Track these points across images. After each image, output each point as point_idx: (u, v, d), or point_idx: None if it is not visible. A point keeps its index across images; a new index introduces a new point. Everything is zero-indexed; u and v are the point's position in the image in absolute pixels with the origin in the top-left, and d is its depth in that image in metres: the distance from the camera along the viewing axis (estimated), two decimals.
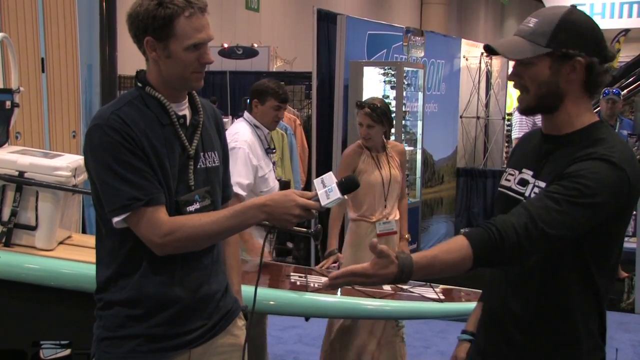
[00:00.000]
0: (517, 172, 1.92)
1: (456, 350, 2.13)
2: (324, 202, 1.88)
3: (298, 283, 3.42)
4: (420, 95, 7.27)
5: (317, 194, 1.90)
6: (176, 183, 2.00)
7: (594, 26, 1.81)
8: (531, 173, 1.88)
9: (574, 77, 1.79)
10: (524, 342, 1.86)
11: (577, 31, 1.77)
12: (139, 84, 2.05)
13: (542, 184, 1.81)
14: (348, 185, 1.90)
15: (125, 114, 1.95)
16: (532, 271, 1.83)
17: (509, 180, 1.94)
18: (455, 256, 1.66)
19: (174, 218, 1.94)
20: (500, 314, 1.91)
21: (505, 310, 1.90)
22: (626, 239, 6.08)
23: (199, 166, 2.06)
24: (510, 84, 12.69)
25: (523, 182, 1.89)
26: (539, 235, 1.65)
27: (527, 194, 1.85)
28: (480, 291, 2.23)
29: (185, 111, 2.08)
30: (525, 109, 1.86)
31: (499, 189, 1.98)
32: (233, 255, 2.30)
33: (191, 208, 2.01)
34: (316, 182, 1.93)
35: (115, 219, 1.93)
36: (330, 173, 1.95)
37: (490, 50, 1.85)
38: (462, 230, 1.90)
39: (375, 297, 3.27)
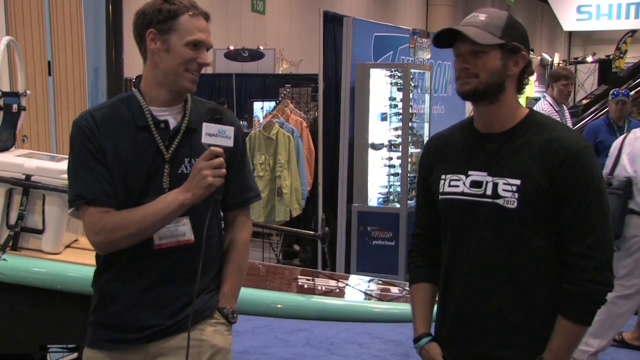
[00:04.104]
0: (462, 176, 1.98)
1: (431, 355, 2.07)
2: (204, 140, 1.99)
3: (305, 286, 3.41)
4: (427, 97, 7.25)
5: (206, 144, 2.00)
6: (144, 185, 2.06)
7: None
8: (484, 173, 1.95)
9: (515, 71, 1.94)
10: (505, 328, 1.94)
11: (521, 30, 1.96)
12: (134, 86, 2.15)
13: (503, 180, 1.91)
14: (212, 115, 2.03)
15: (100, 115, 2.08)
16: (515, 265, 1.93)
17: (456, 186, 1.99)
18: (570, 338, 1.93)
19: (103, 216, 2.03)
20: (476, 304, 1.97)
21: (482, 300, 1.96)
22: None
23: (179, 171, 2.09)
24: None
25: (477, 184, 1.96)
26: (610, 257, 1.90)
27: (488, 193, 1.93)
28: None
29: (171, 116, 2.12)
30: (471, 91, 1.92)
31: (445, 196, 2.02)
32: (232, 260, 2.24)
33: None
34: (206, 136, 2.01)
35: (68, 211, 2.11)
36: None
37: (437, 40, 1.95)
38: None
39: (383, 300, 3.26)
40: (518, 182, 1.89)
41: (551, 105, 6.37)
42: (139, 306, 2.10)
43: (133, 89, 2.14)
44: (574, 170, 1.87)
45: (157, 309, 2.11)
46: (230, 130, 2.02)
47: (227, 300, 2.22)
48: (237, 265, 2.25)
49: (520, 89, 1.99)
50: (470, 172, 1.97)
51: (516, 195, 1.89)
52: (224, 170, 2.00)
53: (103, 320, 2.15)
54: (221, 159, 1.99)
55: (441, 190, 2.02)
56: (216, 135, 2.00)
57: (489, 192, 1.93)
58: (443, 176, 2.03)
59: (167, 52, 2.05)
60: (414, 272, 2.18)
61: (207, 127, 2.00)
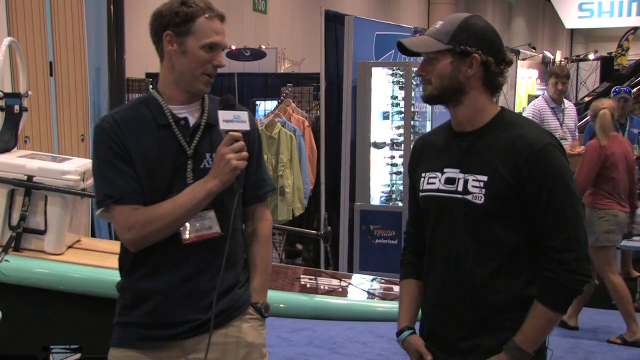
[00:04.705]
0: (438, 173, 2.06)
1: (414, 346, 2.10)
2: (222, 126, 2.04)
3: (308, 285, 3.41)
4: None
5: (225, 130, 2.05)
6: (168, 182, 2.10)
7: (493, 30, 2.03)
8: (457, 170, 2.02)
9: (471, 73, 1.98)
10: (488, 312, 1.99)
11: (475, 32, 1.98)
12: (151, 87, 2.19)
13: (473, 176, 1.98)
14: (225, 103, 2.09)
15: (121, 117, 2.13)
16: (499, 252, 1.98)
17: (433, 184, 2.07)
18: (543, 323, 1.96)
19: (133, 213, 2.06)
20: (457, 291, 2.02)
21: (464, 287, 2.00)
22: (636, 238, 6.05)
23: (202, 166, 2.13)
24: (519, 83, 12.66)
25: (450, 181, 2.03)
26: (586, 248, 1.95)
27: (459, 189, 2.00)
28: None
29: (190, 114, 2.17)
30: (427, 97, 2.04)
31: (424, 193, 2.09)
32: (259, 255, 2.29)
33: None
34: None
35: (97, 212, 2.13)
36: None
37: (402, 48, 2.06)
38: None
39: (386, 299, 3.26)
40: (485, 178, 1.96)
41: (546, 102, 6.37)
42: (172, 302, 2.11)
43: (150, 89, 2.18)
44: (539, 167, 1.92)
45: (191, 303, 2.12)
46: (244, 114, 2.08)
47: (259, 294, 2.26)
48: (264, 260, 2.30)
49: (493, 88, 2.03)
50: (445, 170, 2.05)
51: (483, 191, 1.96)
52: (245, 153, 2.04)
53: (135, 318, 2.15)
54: (241, 142, 2.04)
55: (421, 188, 2.10)
56: (232, 121, 2.05)
57: (460, 188, 2.00)
58: (423, 174, 2.10)
59: (183, 54, 2.10)
60: (403, 269, 2.24)
61: (222, 114, 2.05)
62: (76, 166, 3.15)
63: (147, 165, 2.09)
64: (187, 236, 2.11)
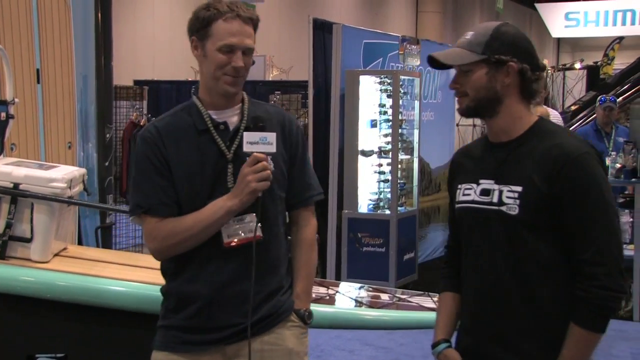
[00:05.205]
0: (474, 185, 2.03)
1: (450, 359, 2.08)
2: (245, 149, 2.07)
3: None
4: (417, 103, 7.27)
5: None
6: (210, 186, 2.13)
7: (525, 37, 2.01)
8: (492, 181, 1.99)
9: (508, 81, 1.96)
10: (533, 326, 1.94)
11: (509, 40, 1.96)
12: (193, 93, 2.24)
13: (507, 187, 1.95)
14: (254, 123, 2.11)
15: (163, 125, 2.18)
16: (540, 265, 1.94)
17: (468, 195, 2.04)
18: (582, 345, 1.90)
19: (158, 224, 2.12)
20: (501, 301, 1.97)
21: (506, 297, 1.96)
22: (624, 246, 6.09)
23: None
24: None
25: (485, 192, 2.00)
26: (619, 261, 1.89)
27: (494, 200, 1.97)
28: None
29: (229, 118, 2.19)
30: (465, 110, 2.01)
31: (459, 205, 2.07)
32: (302, 260, 2.28)
33: None
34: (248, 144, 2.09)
35: (130, 218, 2.23)
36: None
37: (432, 62, 2.02)
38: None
39: (374, 307, 3.26)
40: (519, 188, 1.93)
41: None
42: (216, 306, 2.13)
43: (192, 96, 2.22)
44: (574, 177, 1.88)
45: (235, 307, 2.13)
46: (272, 136, 2.07)
47: (302, 301, 2.26)
48: (307, 266, 2.30)
49: (529, 96, 2.00)
50: (480, 181, 2.02)
51: (517, 201, 1.92)
52: (267, 173, 2.06)
53: (178, 322, 2.17)
54: (264, 163, 2.05)
55: (457, 200, 2.08)
56: (257, 143, 2.06)
57: (495, 199, 1.97)
58: (459, 186, 2.08)
59: (205, 58, 2.14)
60: (442, 282, 2.22)
61: (247, 136, 2.08)
62: (63, 174, 3.14)
63: (188, 171, 2.12)
64: (227, 240, 2.13)
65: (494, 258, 1.97)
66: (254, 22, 2.17)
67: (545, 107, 6.71)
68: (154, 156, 2.13)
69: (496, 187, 1.97)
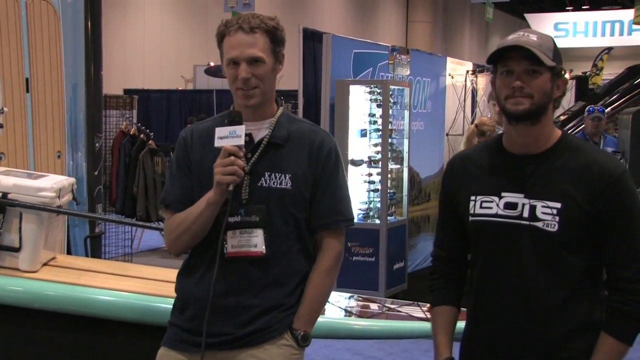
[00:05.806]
0: (495, 197, 1.96)
1: None
2: (216, 144, 2.08)
3: None
4: (407, 113, 7.29)
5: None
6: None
7: None
8: (521, 195, 1.93)
9: (558, 94, 1.95)
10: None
11: (560, 54, 1.95)
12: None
13: (542, 202, 1.90)
14: (232, 118, 2.11)
15: (200, 128, 2.26)
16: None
17: (489, 208, 1.97)
18: (612, 356, 1.90)
19: (168, 219, 2.22)
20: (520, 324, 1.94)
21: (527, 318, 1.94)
22: None
23: (259, 184, 2.15)
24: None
25: (512, 206, 1.94)
26: None
27: (525, 215, 1.91)
28: (465, 309, 2.17)
29: (258, 130, 2.18)
30: (524, 112, 1.89)
31: (477, 218, 1.99)
32: (311, 283, 2.22)
33: (231, 219, 2.14)
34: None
35: (160, 210, 2.35)
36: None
37: (497, 54, 1.90)
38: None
39: (363, 317, 3.26)
40: (558, 205, 1.89)
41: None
42: (212, 313, 2.13)
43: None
44: (618, 196, 1.88)
45: (230, 317, 2.15)
46: (240, 129, 2.07)
47: (301, 322, 2.21)
48: (315, 289, 2.23)
49: (553, 110, 2.00)
50: (503, 194, 1.95)
51: (557, 218, 1.89)
52: (235, 167, 2.05)
53: (180, 321, 2.23)
54: (232, 157, 2.05)
55: (472, 212, 2.00)
56: (227, 137, 2.07)
57: (525, 214, 1.92)
58: (473, 197, 2.00)
59: (225, 73, 2.20)
60: (435, 295, 2.14)
61: (218, 132, 2.10)
62: (52, 183, 3.13)
63: (201, 177, 2.17)
64: (230, 250, 2.15)
65: (523, 274, 1.92)
66: (263, 30, 2.12)
67: None
68: (182, 156, 2.23)
69: (526, 201, 1.92)
